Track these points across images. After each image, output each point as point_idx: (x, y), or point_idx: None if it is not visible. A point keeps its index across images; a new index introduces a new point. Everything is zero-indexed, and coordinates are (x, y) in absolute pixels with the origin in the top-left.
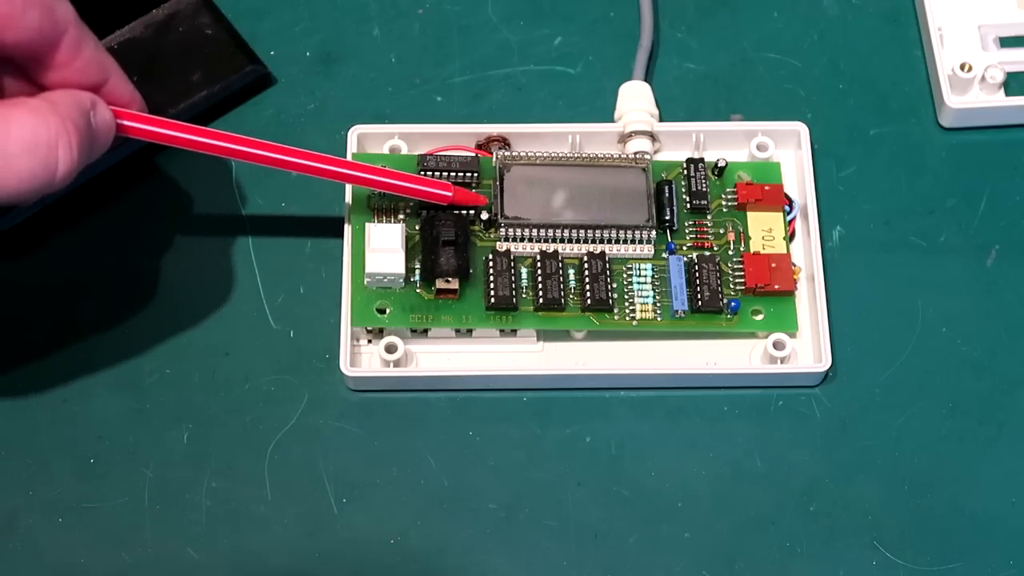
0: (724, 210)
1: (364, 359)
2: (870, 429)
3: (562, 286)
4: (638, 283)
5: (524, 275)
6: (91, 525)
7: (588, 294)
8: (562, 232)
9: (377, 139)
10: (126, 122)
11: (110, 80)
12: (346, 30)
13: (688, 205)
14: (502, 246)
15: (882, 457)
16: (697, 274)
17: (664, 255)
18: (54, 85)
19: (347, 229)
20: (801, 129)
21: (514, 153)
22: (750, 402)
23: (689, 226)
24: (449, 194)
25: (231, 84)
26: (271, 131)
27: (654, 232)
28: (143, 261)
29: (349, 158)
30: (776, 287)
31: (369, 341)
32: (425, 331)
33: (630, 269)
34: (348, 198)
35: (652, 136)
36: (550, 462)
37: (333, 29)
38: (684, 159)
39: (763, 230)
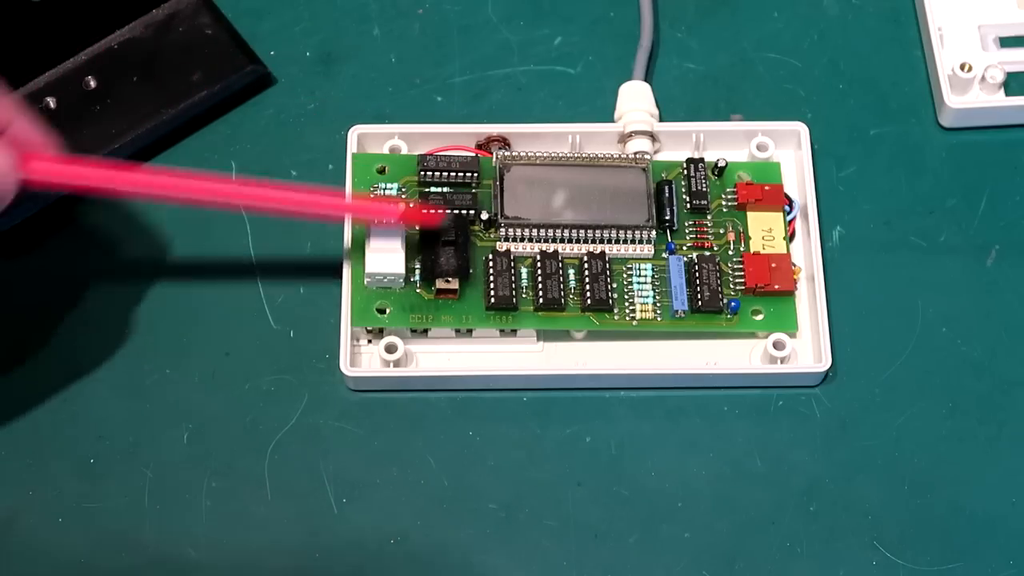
0: (724, 210)
1: (364, 359)
2: (870, 429)
3: (562, 286)
4: (638, 283)
5: (524, 275)
6: (91, 525)
7: (588, 294)
8: (562, 232)
9: (377, 139)
10: (34, 164)
11: (13, 124)
12: (346, 30)
13: (688, 205)
14: (502, 246)
15: (882, 457)
16: (697, 274)
17: (664, 255)
18: None
19: (347, 229)
20: (801, 129)
21: (514, 153)
22: (750, 402)
23: (689, 226)
24: (398, 209)
25: (231, 84)
26: (271, 131)
27: (654, 232)
28: (143, 261)
29: (349, 158)
30: (776, 287)
31: (369, 341)
32: (425, 331)
33: (630, 269)
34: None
35: (652, 136)
36: (550, 462)
37: (333, 29)
38: (684, 159)
39: (763, 230)
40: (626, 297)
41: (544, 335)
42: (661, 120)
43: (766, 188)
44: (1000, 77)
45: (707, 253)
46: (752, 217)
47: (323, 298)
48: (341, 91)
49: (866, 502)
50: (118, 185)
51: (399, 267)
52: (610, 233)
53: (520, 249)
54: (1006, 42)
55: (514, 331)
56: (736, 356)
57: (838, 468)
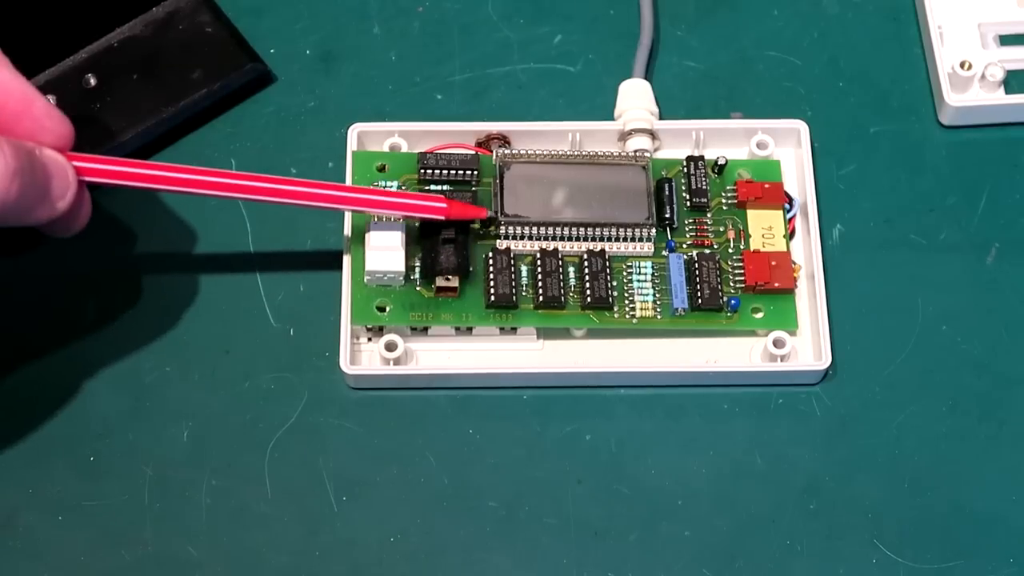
0: (724, 208)
1: (364, 357)
2: (870, 427)
3: (562, 284)
4: (638, 281)
5: (524, 273)
6: (91, 523)
7: (588, 292)
8: (562, 230)
9: (377, 137)
10: (80, 163)
11: (35, 106)
12: (346, 28)
13: (688, 203)
14: (502, 244)
15: (882, 455)
16: (697, 272)
17: (664, 253)
18: None
19: (347, 227)
20: (801, 127)
21: (514, 151)
22: (750, 400)
23: (689, 224)
24: (444, 206)
25: (231, 82)
26: (271, 129)
27: (654, 230)
28: (143, 259)
29: (349, 156)
30: (776, 285)
31: (369, 339)
32: (425, 329)
33: (630, 267)
34: None
35: (652, 134)
36: (550, 460)
37: (333, 27)
38: (684, 157)
39: (763, 228)
40: (626, 295)
41: (544, 333)
42: (661, 118)
43: (766, 186)
44: (1000, 75)
45: (707, 251)
46: (752, 215)
47: (323, 296)
48: (341, 89)
49: (866, 500)
50: (168, 185)
51: (399, 265)
52: (610, 231)
53: (520, 247)
54: (1006, 40)
55: (514, 329)
56: (736, 354)
57: (838, 466)
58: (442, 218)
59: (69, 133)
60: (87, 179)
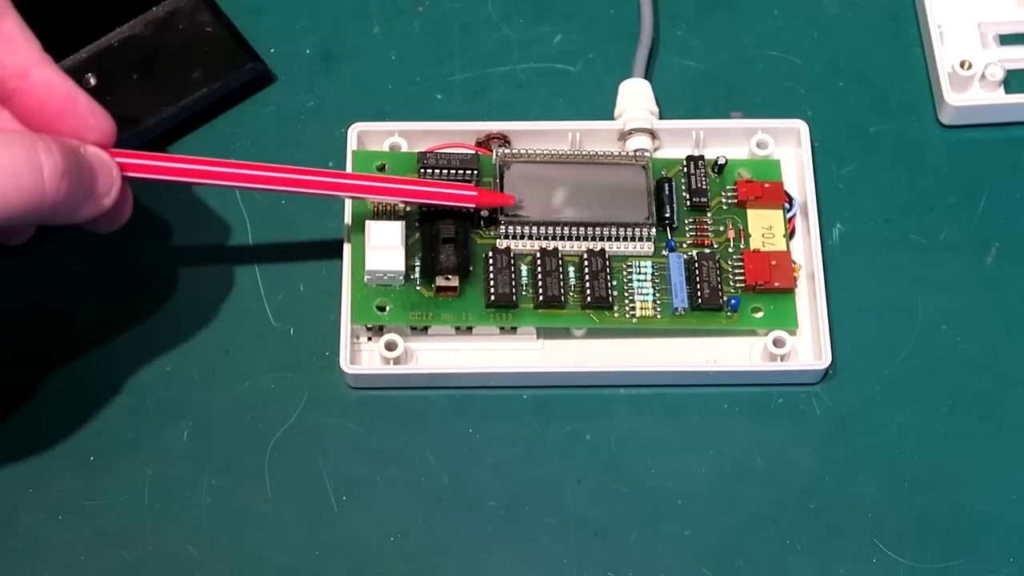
0: (724, 207)
1: (364, 356)
2: (870, 427)
3: (562, 283)
4: (638, 280)
5: (524, 272)
6: (91, 523)
7: (588, 291)
8: (562, 229)
9: (377, 136)
10: (123, 160)
11: (79, 104)
12: (346, 28)
13: (688, 203)
14: (502, 243)
15: (882, 455)
16: (697, 271)
17: (664, 252)
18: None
19: (347, 226)
20: (801, 127)
21: (514, 150)
22: (750, 400)
23: (689, 223)
24: (474, 194)
25: (231, 82)
26: (271, 129)
27: (654, 229)
28: (143, 259)
29: (349, 155)
30: (776, 285)
31: (369, 338)
32: (425, 328)
33: (630, 266)
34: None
35: (652, 134)
36: (550, 460)
37: (333, 27)
38: (684, 156)
39: (763, 227)
40: (626, 294)
41: (544, 332)
42: (661, 118)
43: (766, 186)
44: (1000, 75)
45: (707, 250)
46: (752, 214)
47: (323, 295)
48: (341, 89)
49: (866, 500)
50: (212, 179)
51: (399, 264)
52: (610, 230)
53: (520, 246)
54: (1006, 39)
55: (514, 328)
56: (736, 354)
57: (838, 466)
58: (472, 206)
59: (112, 129)
60: (130, 175)
